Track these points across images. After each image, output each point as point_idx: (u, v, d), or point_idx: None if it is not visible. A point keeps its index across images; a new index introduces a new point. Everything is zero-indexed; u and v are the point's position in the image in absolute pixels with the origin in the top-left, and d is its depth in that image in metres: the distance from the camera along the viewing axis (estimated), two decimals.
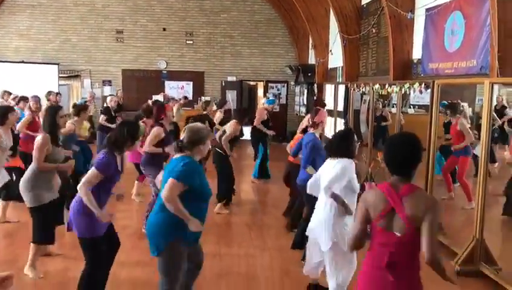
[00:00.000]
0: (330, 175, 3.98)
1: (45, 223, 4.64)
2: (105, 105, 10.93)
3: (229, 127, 7.29)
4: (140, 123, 5.24)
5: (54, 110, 4.89)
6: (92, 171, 3.76)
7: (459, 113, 8.02)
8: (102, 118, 9.98)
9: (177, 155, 3.48)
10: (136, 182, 7.82)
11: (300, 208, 6.41)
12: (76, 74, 16.09)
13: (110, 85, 16.26)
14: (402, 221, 2.48)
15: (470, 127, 9.49)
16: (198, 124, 3.67)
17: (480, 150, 5.28)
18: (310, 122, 5.66)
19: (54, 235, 4.80)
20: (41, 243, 4.75)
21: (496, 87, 5.67)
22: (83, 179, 3.75)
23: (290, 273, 5.05)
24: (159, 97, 13.38)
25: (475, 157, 9.04)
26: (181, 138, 3.54)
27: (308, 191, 4.38)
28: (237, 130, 7.30)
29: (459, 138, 7.61)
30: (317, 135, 5.54)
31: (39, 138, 4.69)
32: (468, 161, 7.75)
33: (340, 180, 3.92)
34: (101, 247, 3.85)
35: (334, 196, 3.88)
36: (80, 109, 7.04)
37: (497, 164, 10.21)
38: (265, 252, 5.69)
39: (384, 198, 2.54)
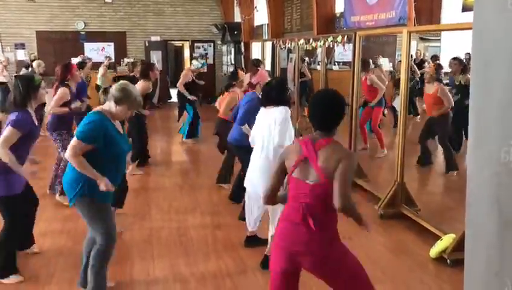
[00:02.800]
0: (273, 130, 3.94)
1: None
2: (30, 70, 10.13)
3: (138, 86, 7.02)
4: (37, 75, 4.73)
5: None
6: (8, 129, 3.64)
7: (375, 66, 8.32)
8: None
9: (94, 109, 3.39)
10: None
11: (231, 163, 6.46)
12: None
13: (24, 48, 15.13)
14: (315, 171, 2.51)
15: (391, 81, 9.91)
16: (131, 85, 3.49)
17: (399, 99, 5.48)
18: (248, 82, 5.63)
19: None
20: None
21: (414, 42, 5.88)
22: (0, 139, 3.60)
23: (221, 228, 5.07)
24: (78, 60, 12.68)
25: (394, 109, 9.51)
26: (111, 87, 3.39)
27: (252, 145, 4.35)
28: (147, 88, 7.05)
29: (372, 92, 7.93)
30: (259, 95, 5.51)
31: None
32: (381, 111, 8.27)
33: (286, 132, 3.95)
34: (18, 205, 3.77)
35: None
36: None
37: (419, 116, 10.78)
38: (196, 210, 5.66)
39: (299, 148, 2.60)
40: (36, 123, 3.92)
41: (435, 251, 4.34)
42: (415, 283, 3.96)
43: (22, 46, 15.20)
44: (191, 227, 5.10)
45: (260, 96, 4.57)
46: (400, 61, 6.53)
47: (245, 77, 6.90)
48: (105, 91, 3.49)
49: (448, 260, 4.20)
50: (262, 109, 4.24)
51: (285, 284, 2.69)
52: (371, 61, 8.19)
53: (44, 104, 4.43)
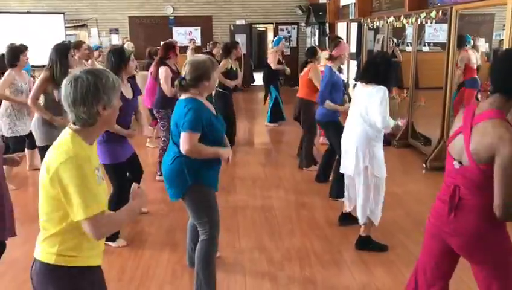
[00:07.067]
0: (369, 105, 3.73)
1: None
2: None
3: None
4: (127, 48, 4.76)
5: (66, 48, 4.70)
6: None
7: (467, 45, 7.79)
8: None
9: (182, 96, 3.16)
10: (148, 127, 7.72)
11: (309, 147, 6.33)
12: (83, 24, 15.77)
13: (117, 33, 15.97)
14: (465, 151, 2.17)
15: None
16: (200, 56, 3.34)
17: None
18: (328, 56, 5.44)
19: None
20: None
21: None
22: None
23: (305, 206, 5.04)
24: None
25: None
26: (182, 75, 3.14)
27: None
28: (225, 64, 7.12)
29: (467, 71, 7.51)
30: (335, 69, 5.26)
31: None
32: (473, 94, 7.75)
33: (386, 113, 3.71)
34: (124, 173, 4.12)
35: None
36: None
37: None
38: (280, 188, 5.67)
39: (460, 118, 2.27)
40: (128, 95, 4.08)
41: None
42: None
43: (115, 31, 16.03)
44: (275, 204, 5.12)
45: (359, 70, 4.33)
46: (501, 40, 6.03)
47: (322, 54, 6.78)
48: (182, 87, 3.13)
49: None
50: (358, 86, 4.00)
51: (438, 263, 2.45)
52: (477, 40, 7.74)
53: (133, 76, 4.52)
